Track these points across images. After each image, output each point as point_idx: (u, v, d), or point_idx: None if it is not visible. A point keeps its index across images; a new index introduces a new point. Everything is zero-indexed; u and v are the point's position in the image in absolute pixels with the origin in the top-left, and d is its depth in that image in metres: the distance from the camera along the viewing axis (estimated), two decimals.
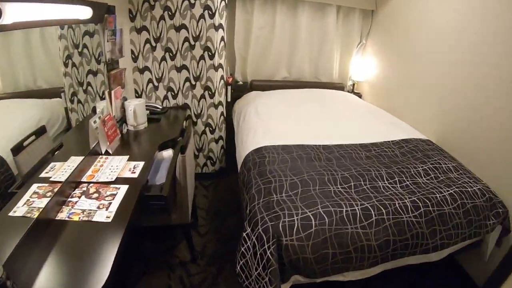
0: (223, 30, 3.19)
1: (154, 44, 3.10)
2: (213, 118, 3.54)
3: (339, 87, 4.57)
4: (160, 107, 3.09)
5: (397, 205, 2.00)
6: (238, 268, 1.93)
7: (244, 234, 1.92)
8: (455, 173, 2.43)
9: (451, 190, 2.18)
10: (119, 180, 1.86)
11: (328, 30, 4.21)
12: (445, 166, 2.51)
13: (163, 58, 3.17)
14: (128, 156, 2.14)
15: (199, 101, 3.41)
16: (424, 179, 2.34)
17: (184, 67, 3.23)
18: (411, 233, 1.93)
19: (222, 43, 3.22)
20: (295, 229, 1.79)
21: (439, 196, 2.11)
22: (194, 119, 3.53)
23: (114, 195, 1.72)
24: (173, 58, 3.18)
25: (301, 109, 3.50)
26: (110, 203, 1.65)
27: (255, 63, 4.22)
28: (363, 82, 4.55)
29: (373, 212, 1.93)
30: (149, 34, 3.06)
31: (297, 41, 4.19)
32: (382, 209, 1.96)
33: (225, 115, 3.66)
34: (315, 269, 1.80)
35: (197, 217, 3.15)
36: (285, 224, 1.80)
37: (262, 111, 3.36)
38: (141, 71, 3.17)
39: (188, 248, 2.72)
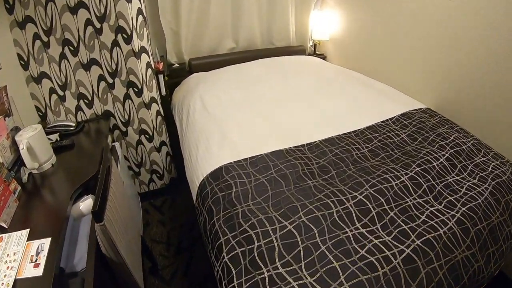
0: (140, 1, 2.36)
1: (46, 39, 2.21)
2: (147, 122, 2.73)
3: (299, 50, 3.83)
4: (73, 124, 2.28)
5: (445, 237, 1.43)
6: None
7: None
8: (479, 156, 1.96)
9: (489, 185, 1.72)
10: (19, 287, 1.20)
11: None
12: (465, 147, 2.00)
13: (63, 56, 2.29)
14: (28, 229, 1.44)
15: (123, 104, 2.60)
16: (454, 174, 1.80)
17: (93, 62, 2.36)
18: (468, 274, 1.39)
19: (141, 18, 2.39)
20: None
21: (483, 202, 1.61)
22: (123, 129, 2.71)
23: None
24: (75, 52, 2.31)
25: (261, 90, 2.73)
26: None
27: (191, 37, 3.38)
28: (326, 41, 3.91)
29: (418, 261, 1.32)
30: (37, 26, 2.15)
31: (242, 2, 3.41)
32: (430, 252, 1.36)
33: (162, 113, 2.88)
34: None
35: (155, 259, 2.48)
36: None
37: (211, 103, 2.56)
38: (37, 80, 2.29)
39: None
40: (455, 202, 1.60)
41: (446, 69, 2.44)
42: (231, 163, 1.84)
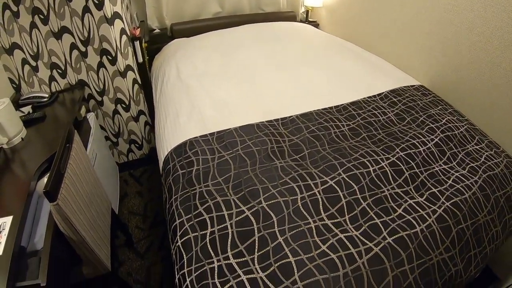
0: None
1: (15, 8, 2.06)
2: (123, 91, 2.56)
3: (290, 17, 3.58)
4: (46, 95, 2.16)
5: (421, 236, 1.26)
6: None
7: None
8: (472, 143, 1.79)
9: (479, 178, 1.56)
10: None
11: None
12: (458, 132, 1.82)
13: (33, 25, 2.14)
14: None
15: (97, 73, 2.43)
16: (441, 162, 1.63)
17: (64, 30, 2.20)
18: (443, 280, 1.23)
19: None
20: None
21: (470, 197, 1.45)
22: (98, 98, 2.55)
23: None
24: (45, 21, 2.15)
25: (242, 58, 2.51)
26: None
27: (174, 1, 3.15)
28: (319, 7, 3.65)
29: (386, 262, 1.16)
30: None
31: None
32: (402, 252, 1.20)
33: (140, 82, 2.70)
34: None
35: (130, 232, 2.37)
36: None
37: (186, 71, 2.36)
38: (9, 51, 2.16)
39: None
40: (439, 195, 1.43)
41: (444, 45, 2.21)
42: (196, 137, 1.67)
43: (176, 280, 1.17)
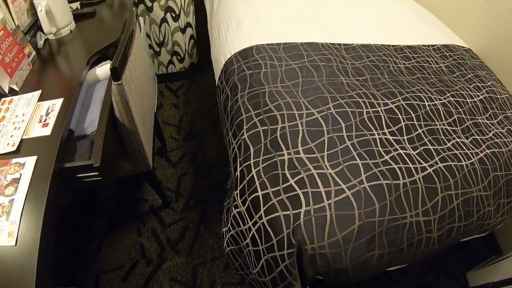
0: None
1: None
2: None
3: None
4: None
5: (465, 170, 1.34)
6: (227, 251, 1.29)
7: (235, 211, 1.20)
8: (511, 110, 1.83)
9: None
10: (25, 146, 1.18)
11: None
12: (500, 98, 1.87)
13: None
14: (40, 91, 1.37)
15: None
16: (484, 117, 1.69)
17: None
18: (478, 214, 1.33)
19: None
20: (327, 229, 1.04)
21: (506, 152, 1.52)
22: (149, 3, 2.49)
23: (17, 182, 1.04)
24: None
25: None
26: (11, 204, 0.99)
27: None
28: None
29: (437, 183, 1.25)
30: None
31: None
32: (450, 179, 1.28)
33: None
34: (352, 278, 1.12)
35: (165, 140, 2.42)
36: (310, 219, 1.04)
37: None
38: None
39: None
40: (481, 142, 1.51)
41: (500, 13, 2.21)
42: (263, 44, 1.70)
43: (238, 172, 1.23)
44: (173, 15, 2.58)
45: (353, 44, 1.86)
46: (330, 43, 1.81)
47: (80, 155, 1.27)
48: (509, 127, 1.70)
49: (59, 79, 1.50)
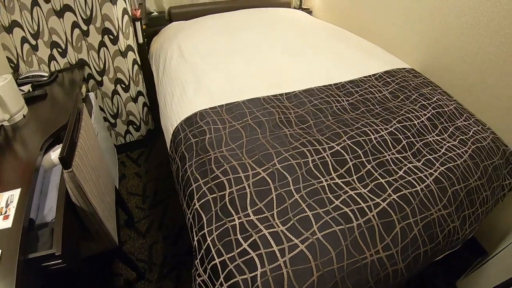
0: None
1: None
2: (123, 71, 2.56)
3: (284, 3, 3.63)
4: (46, 74, 2.14)
5: (421, 194, 1.37)
6: None
7: (199, 280, 1.19)
8: (461, 119, 1.90)
9: (469, 149, 1.67)
10: None
11: None
12: (448, 110, 1.93)
13: (35, 3, 2.10)
14: None
15: (98, 52, 2.43)
16: (433, 134, 1.74)
17: (67, 8, 2.18)
18: (443, 234, 1.34)
19: None
20: (285, 286, 1.04)
21: (461, 164, 1.56)
22: (98, 78, 2.55)
23: None
24: None
25: (243, 40, 2.56)
26: None
27: None
28: None
29: (393, 215, 1.27)
30: None
31: None
32: (406, 207, 1.31)
33: (139, 62, 2.71)
34: None
35: (131, 211, 2.40)
36: (268, 280, 1.04)
37: (189, 51, 2.40)
38: (8, 29, 2.11)
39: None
40: (434, 161, 1.54)
41: (434, 31, 2.33)
42: (206, 109, 1.74)
43: (195, 242, 1.23)
44: (123, 86, 2.63)
45: (294, 91, 1.92)
46: (272, 95, 1.86)
47: (43, 244, 1.25)
48: (461, 137, 1.75)
49: (15, 167, 1.50)
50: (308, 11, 3.74)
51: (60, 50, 2.32)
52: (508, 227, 2.00)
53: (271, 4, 3.47)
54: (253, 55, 2.30)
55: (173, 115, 1.82)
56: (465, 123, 1.88)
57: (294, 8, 3.75)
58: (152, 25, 3.07)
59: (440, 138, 1.72)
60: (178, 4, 3.19)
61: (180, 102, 1.87)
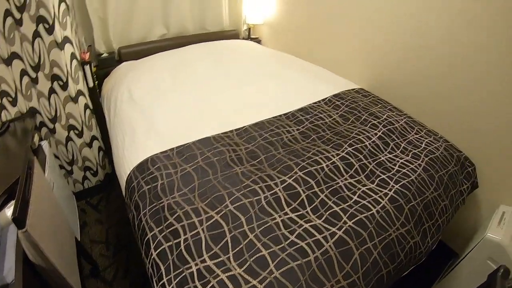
0: None
1: None
2: (75, 117, 2.52)
3: (233, 35, 3.66)
4: None
5: (377, 217, 1.38)
6: None
7: None
8: (412, 133, 1.95)
9: (422, 162, 1.72)
10: None
11: None
12: (398, 125, 1.98)
13: None
14: None
15: (49, 99, 2.37)
16: (386, 152, 1.77)
17: (15, 55, 2.14)
18: (404, 251, 1.36)
19: (63, 6, 2.20)
20: None
21: (416, 178, 1.60)
22: (50, 126, 2.49)
23: None
24: None
25: (192, 77, 2.55)
26: None
27: (120, 25, 3.11)
28: (261, 25, 3.78)
29: (351, 242, 1.27)
30: None
31: None
32: (363, 232, 1.32)
33: (91, 106, 2.67)
34: None
35: (95, 260, 2.31)
36: None
37: (138, 92, 2.36)
38: None
39: None
40: (388, 180, 1.56)
41: (379, 51, 2.42)
42: (157, 154, 1.71)
43: None
44: (77, 132, 2.57)
45: (245, 126, 1.91)
46: (222, 133, 1.85)
47: None
48: (414, 150, 1.78)
49: None
50: (257, 41, 3.80)
51: (10, 99, 2.24)
52: (474, 226, 2.06)
53: (220, 37, 3.50)
54: (203, 92, 2.29)
55: (125, 161, 1.78)
56: (417, 136, 1.92)
57: (244, 38, 3.80)
58: (103, 66, 3.03)
59: (392, 156, 1.74)
60: (127, 44, 3.16)
61: (131, 148, 1.83)
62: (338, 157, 1.63)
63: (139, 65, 2.79)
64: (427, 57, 2.09)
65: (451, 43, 1.97)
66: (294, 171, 1.52)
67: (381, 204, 1.41)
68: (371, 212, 1.37)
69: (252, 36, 3.89)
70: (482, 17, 1.80)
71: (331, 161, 1.60)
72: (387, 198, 1.45)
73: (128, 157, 1.78)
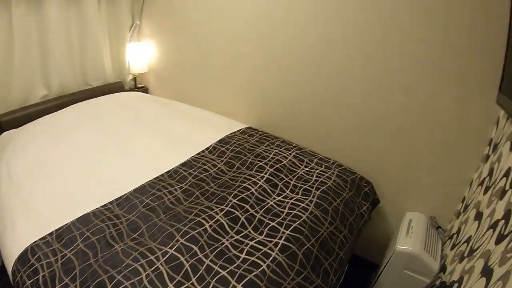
0: None
1: None
2: None
3: (118, 87, 3.50)
4: None
5: (269, 272, 1.30)
6: None
7: None
8: (302, 167, 1.94)
9: (313, 197, 1.69)
10: None
11: (88, 16, 3.12)
12: (286, 162, 1.95)
13: None
14: None
15: None
16: (274, 196, 1.73)
17: None
18: None
19: None
20: None
21: (308, 217, 1.56)
22: None
23: None
24: None
25: (76, 142, 2.32)
26: None
27: None
28: (146, 73, 3.65)
29: None
30: None
31: (49, 42, 2.95)
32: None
33: None
34: None
35: None
36: None
37: (17, 169, 2.06)
38: None
39: None
40: (278, 227, 1.50)
41: (262, 87, 2.45)
42: (36, 241, 1.53)
43: None
44: None
45: (126, 194, 1.76)
46: (102, 206, 1.69)
47: None
48: (305, 186, 1.76)
49: None
50: (144, 90, 3.66)
51: None
52: (386, 235, 2.11)
53: (104, 92, 3.30)
54: (86, 161, 2.10)
55: (9, 254, 1.57)
56: (307, 169, 1.91)
57: (130, 89, 3.65)
58: None
59: (281, 198, 1.70)
60: (6, 110, 2.83)
61: (12, 237, 1.62)
62: (222, 213, 1.54)
63: (19, 135, 2.49)
64: (302, 89, 2.20)
65: (321, 74, 2.11)
66: (175, 239, 1.41)
67: (271, 257, 1.34)
68: (261, 268, 1.29)
69: (138, 85, 3.74)
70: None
71: (214, 220, 1.50)
72: (277, 248, 1.38)
73: (10, 248, 1.57)
